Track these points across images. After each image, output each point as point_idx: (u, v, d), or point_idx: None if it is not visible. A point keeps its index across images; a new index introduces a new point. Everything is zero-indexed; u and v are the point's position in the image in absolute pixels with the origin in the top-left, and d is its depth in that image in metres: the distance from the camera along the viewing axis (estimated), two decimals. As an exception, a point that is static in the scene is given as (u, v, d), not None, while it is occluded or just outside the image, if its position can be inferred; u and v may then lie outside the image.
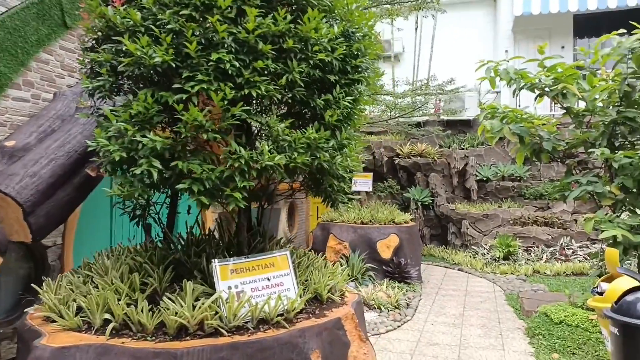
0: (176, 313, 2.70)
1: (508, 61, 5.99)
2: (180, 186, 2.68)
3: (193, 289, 2.89)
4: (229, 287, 2.92)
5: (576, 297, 5.74)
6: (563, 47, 12.25)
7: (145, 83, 3.12)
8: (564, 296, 7.10)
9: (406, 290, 8.02)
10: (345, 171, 3.54)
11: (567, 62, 5.68)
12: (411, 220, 9.71)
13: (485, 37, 15.07)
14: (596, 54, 5.32)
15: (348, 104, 3.35)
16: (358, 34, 3.45)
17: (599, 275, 5.74)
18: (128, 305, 2.81)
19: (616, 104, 5.29)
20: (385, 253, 8.57)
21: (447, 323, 6.51)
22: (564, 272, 9.69)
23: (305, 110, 3.53)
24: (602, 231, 4.89)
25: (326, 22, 3.31)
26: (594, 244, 10.98)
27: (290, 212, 10.12)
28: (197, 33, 2.83)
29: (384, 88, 10.93)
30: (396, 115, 9.98)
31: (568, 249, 10.91)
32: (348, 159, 3.51)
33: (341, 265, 8.63)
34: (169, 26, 2.82)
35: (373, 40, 3.57)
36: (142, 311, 2.73)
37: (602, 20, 12.15)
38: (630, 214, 5.67)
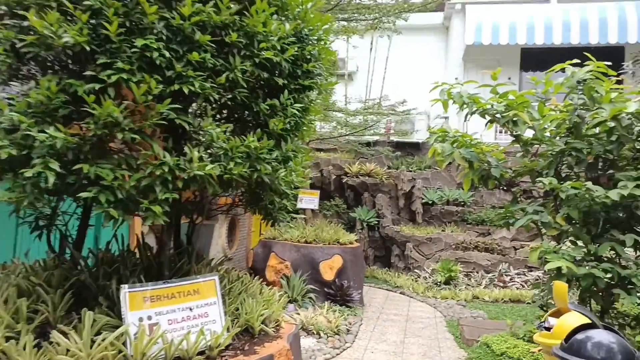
0: (68, 351, 2.18)
1: (462, 84, 5.92)
2: (83, 194, 2.19)
3: (94, 320, 2.38)
4: (140, 319, 2.44)
5: (518, 327, 5.64)
6: (510, 79, 12.68)
7: (52, 69, 2.61)
8: (503, 324, 7.05)
9: (347, 314, 7.69)
10: (289, 187, 3.16)
11: (518, 91, 5.69)
12: (356, 241, 9.46)
13: (437, 63, 15.40)
14: (548, 84, 5.33)
15: (296, 112, 3.00)
16: (312, 37, 3.13)
17: (542, 307, 5.68)
18: (7, 339, 2.25)
19: (564, 135, 5.30)
20: (328, 274, 8.22)
21: (388, 351, 6.22)
22: (502, 299, 9.77)
23: (248, 115, 3.13)
24: (547, 262, 4.81)
25: (277, 18, 2.96)
26: (531, 271, 11.24)
27: (230, 227, 9.56)
28: (121, 13, 2.38)
29: (336, 105, 10.73)
30: (347, 133, 9.78)
31: (506, 275, 11.08)
32: (293, 173, 3.13)
33: (281, 287, 8.22)
34: (87, 2, 2.35)
35: (328, 45, 3.26)
36: (23, 348, 2.19)
37: (547, 55, 12.74)
38: (572, 245, 5.70)
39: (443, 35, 15.72)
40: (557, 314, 3.81)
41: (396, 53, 15.51)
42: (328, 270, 8.24)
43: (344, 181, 13.04)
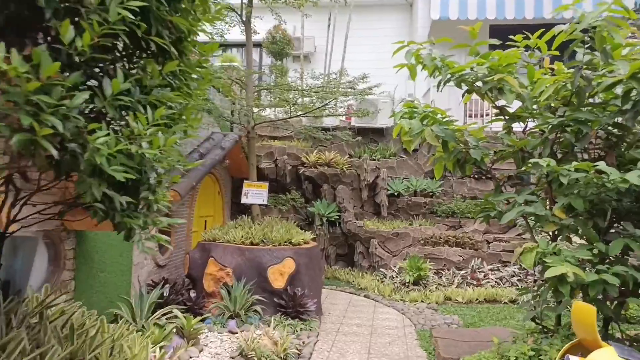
0: None
1: (434, 43, 4.78)
2: None
3: None
4: None
5: (506, 347, 4.59)
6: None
7: None
8: (484, 335, 6.04)
9: (300, 329, 6.49)
10: (152, 168, 1.94)
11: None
12: (313, 239, 8.28)
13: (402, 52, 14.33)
14: (542, 41, 4.26)
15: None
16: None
17: (535, 319, 4.66)
18: None
19: (562, 104, 4.24)
20: (278, 281, 7.00)
21: (349, 379, 5.08)
22: (477, 299, 8.86)
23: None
24: (547, 267, 3.76)
25: None
26: (505, 266, 10.39)
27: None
28: None
29: (292, 83, 9.43)
30: (300, 114, 8.54)
31: (479, 272, 10.19)
32: (143, 143, 1.91)
33: (222, 299, 6.95)
34: None
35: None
36: None
37: (518, 31, 11.88)
38: (568, 244, 4.69)
39: (407, 13, 14.68)
40: (579, 348, 2.72)
41: (357, 32, 14.36)
42: (278, 276, 7.01)
43: (300, 172, 11.83)
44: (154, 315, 5.66)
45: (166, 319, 5.76)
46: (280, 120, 8.77)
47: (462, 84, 4.87)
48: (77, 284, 5.34)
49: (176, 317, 5.64)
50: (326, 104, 8.54)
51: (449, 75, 4.83)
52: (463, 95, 5.10)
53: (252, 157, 8.13)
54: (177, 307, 6.76)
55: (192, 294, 7.01)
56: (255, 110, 8.65)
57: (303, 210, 11.88)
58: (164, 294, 6.85)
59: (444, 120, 5.04)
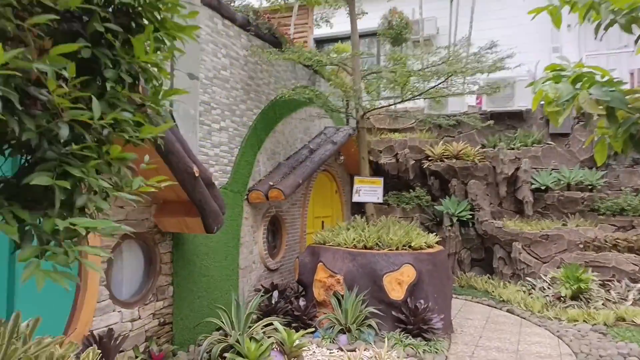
0: None
1: (588, -32, 3.46)
2: None
3: None
4: None
5: None
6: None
7: None
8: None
9: (423, 351, 5.50)
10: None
11: None
12: (438, 242, 7.19)
13: (540, 16, 12.23)
14: None
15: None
16: None
17: None
18: None
19: None
20: (396, 292, 6.09)
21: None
22: (664, 322, 6.84)
23: None
24: None
25: None
26: None
27: (273, 229, 7.84)
28: None
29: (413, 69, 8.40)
30: (414, 96, 7.44)
31: (665, 285, 7.97)
32: None
33: (333, 310, 6.29)
34: None
35: None
36: None
37: None
38: None
39: (549, -26, 12.53)
40: None
41: (484, 6, 12.68)
42: (395, 286, 6.11)
43: (425, 166, 10.70)
44: (256, 325, 5.20)
45: (268, 330, 5.27)
46: (392, 105, 7.81)
47: (636, 26, 3.47)
48: (176, 290, 5.15)
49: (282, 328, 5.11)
50: (447, 81, 7.34)
51: (611, 15, 3.47)
52: (637, 42, 3.67)
53: (362, 149, 7.37)
54: (283, 318, 6.28)
55: (302, 302, 6.48)
56: (367, 99, 7.86)
57: (430, 209, 10.73)
58: (272, 301, 6.43)
59: (611, 80, 3.67)
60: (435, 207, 10.55)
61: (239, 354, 4.63)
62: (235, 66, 6.66)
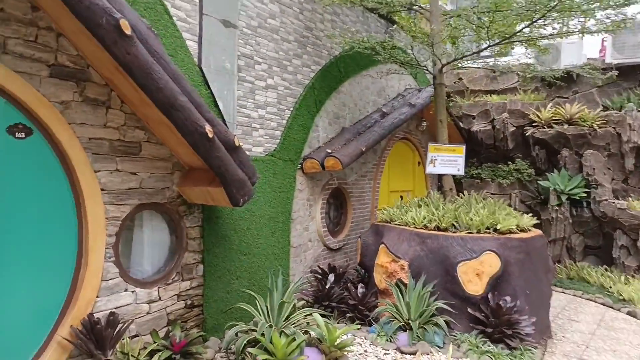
0: None
1: None
2: None
3: None
4: None
5: None
6: None
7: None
8: None
9: (505, 363, 4.40)
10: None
11: None
12: (538, 226, 5.88)
13: None
14: None
15: None
16: None
17: None
18: None
19: None
20: (474, 285, 5.00)
21: None
22: None
23: None
24: None
25: None
26: None
27: (335, 203, 7.03)
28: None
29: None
30: (508, 40, 5.91)
31: None
32: None
33: (395, 301, 5.36)
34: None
35: None
36: None
37: None
38: None
39: None
40: None
41: None
42: (473, 277, 5.01)
43: (528, 134, 9.08)
44: (294, 315, 4.50)
45: (312, 321, 4.54)
46: (479, 53, 6.40)
47: None
48: (207, 269, 4.60)
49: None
50: (556, 19, 5.74)
51: None
52: None
53: (440, 110, 6.18)
54: (336, 306, 5.50)
55: (360, 289, 5.64)
56: (450, 50, 6.58)
57: (532, 184, 9.14)
58: (327, 286, 5.68)
59: None
60: (539, 182, 8.94)
61: (266, 349, 3.95)
62: (287, 14, 5.83)
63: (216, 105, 4.79)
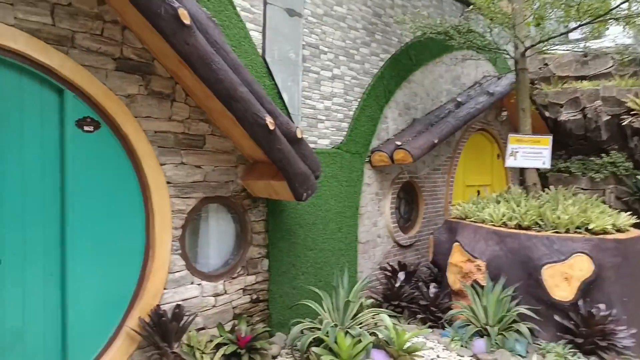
0: None
1: None
2: None
3: None
4: None
5: None
6: None
7: None
8: None
9: (599, 379, 3.90)
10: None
11: None
12: (635, 225, 5.22)
13: None
14: None
15: None
16: None
17: None
18: None
19: None
20: (562, 290, 4.50)
21: None
22: None
23: None
24: None
25: None
26: None
27: (406, 198, 6.70)
28: None
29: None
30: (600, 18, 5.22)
31: None
32: None
33: (470, 304, 4.96)
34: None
35: None
36: None
37: None
38: None
39: None
40: None
41: None
42: (560, 281, 4.51)
43: (625, 123, 8.15)
44: (361, 315, 4.29)
45: (375, 324, 4.32)
46: (564, 34, 5.70)
47: None
48: (272, 264, 4.52)
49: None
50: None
51: None
52: None
53: (522, 97, 5.62)
54: (407, 306, 5.23)
55: (433, 289, 5.32)
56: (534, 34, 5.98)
57: (630, 179, 8.21)
58: (397, 284, 5.42)
59: None
60: (638, 177, 8.00)
61: (331, 350, 3.79)
62: (354, 1, 5.60)
63: (280, 97, 4.69)
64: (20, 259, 3.01)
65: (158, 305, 3.56)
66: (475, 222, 5.36)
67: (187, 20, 2.97)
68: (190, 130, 3.89)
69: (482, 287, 4.84)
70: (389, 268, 5.81)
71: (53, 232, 3.16)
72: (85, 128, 3.28)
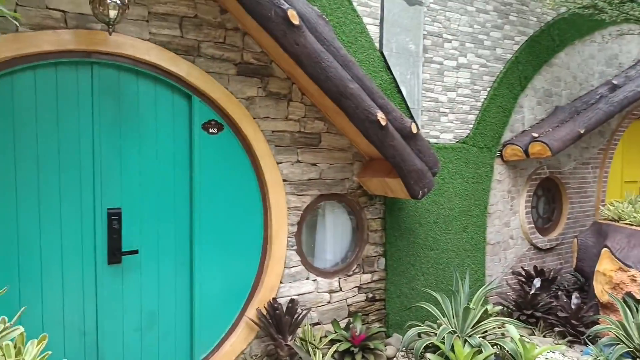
0: None
1: None
2: None
3: None
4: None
5: None
6: None
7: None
8: None
9: None
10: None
11: None
12: None
13: None
14: None
15: None
16: None
17: None
18: None
19: None
20: None
21: None
22: None
23: None
24: None
25: None
26: None
27: (549, 195, 6.02)
28: None
29: None
30: None
31: None
32: None
33: (621, 319, 4.24)
34: None
35: None
36: None
37: None
38: None
39: None
40: None
41: None
42: None
43: None
44: (484, 322, 3.98)
45: (502, 334, 3.96)
46: None
47: None
48: (389, 263, 4.41)
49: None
50: None
51: None
52: None
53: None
54: (543, 318, 4.71)
55: (575, 299, 4.71)
56: None
57: None
58: (531, 292, 4.92)
59: None
60: None
61: (447, 358, 3.58)
62: (483, -19, 5.18)
63: (399, 91, 4.54)
64: (155, 250, 3.39)
65: (274, 299, 3.73)
66: (630, 225, 4.60)
67: (296, 21, 3.02)
68: (306, 129, 3.98)
69: (637, 301, 4.14)
70: (523, 273, 5.30)
71: (183, 226, 3.49)
72: (210, 130, 3.55)
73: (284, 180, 3.85)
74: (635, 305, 4.12)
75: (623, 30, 6.04)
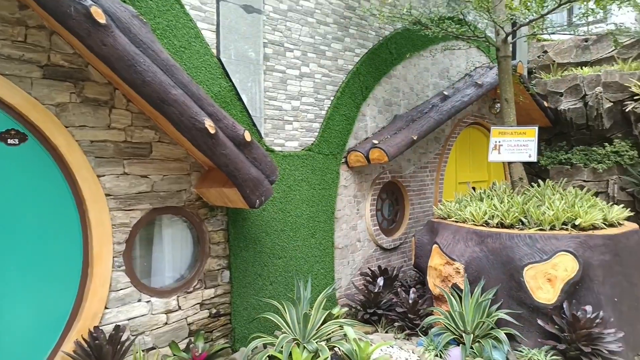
0: None
1: None
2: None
3: None
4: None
5: None
6: None
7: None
8: None
9: (583, 391, 3.58)
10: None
11: None
12: (629, 219, 4.87)
13: None
14: None
15: None
16: None
17: None
18: None
19: None
20: (544, 292, 4.19)
21: None
22: None
23: None
24: None
25: None
26: None
27: (393, 197, 6.42)
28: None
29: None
30: None
31: None
32: None
33: (449, 309, 4.66)
34: None
35: None
36: None
37: None
38: None
39: None
40: None
41: None
42: (543, 283, 4.20)
43: (628, 109, 7.74)
44: (324, 326, 4.05)
45: (344, 335, 4.06)
46: (541, 18, 5.22)
47: None
48: (235, 275, 4.30)
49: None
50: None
51: None
52: None
53: (505, 87, 5.29)
54: (385, 314, 4.96)
55: (412, 294, 5.04)
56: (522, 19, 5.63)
57: (635, 168, 7.77)
58: (375, 290, 5.16)
59: None
60: (644, 166, 7.58)
61: (288, 366, 3.55)
62: (322, -6, 5.36)
63: (239, 99, 4.47)
64: None
65: (96, 327, 3.37)
66: (456, 221, 5.07)
67: (101, 19, 2.77)
68: (134, 138, 3.70)
69: (461, 291, 4.55)
70: (369, 273, 5.55)
71: (-24, 252, 3.00)
72: (10, 141, 3.11)
73: (108, 195, 3.52)
74: (459, 295, 4.52)
75: (454, 45, 6.70)
